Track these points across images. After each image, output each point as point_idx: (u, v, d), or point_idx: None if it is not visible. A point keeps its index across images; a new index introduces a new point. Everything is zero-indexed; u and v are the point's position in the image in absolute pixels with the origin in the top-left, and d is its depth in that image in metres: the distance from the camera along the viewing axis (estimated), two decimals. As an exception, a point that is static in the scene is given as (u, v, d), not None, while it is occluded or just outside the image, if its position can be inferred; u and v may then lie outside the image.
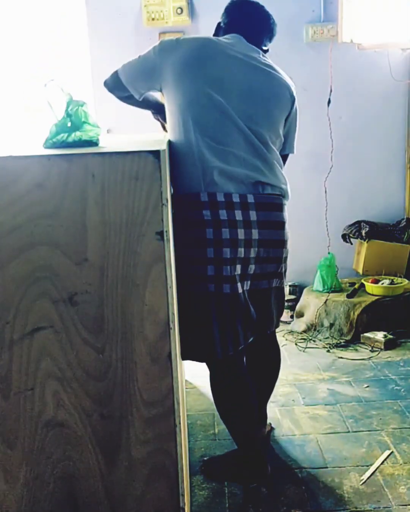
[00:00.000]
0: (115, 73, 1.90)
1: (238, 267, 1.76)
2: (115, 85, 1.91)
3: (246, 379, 1.92)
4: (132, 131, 2.79)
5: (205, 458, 2.11)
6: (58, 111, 1.39)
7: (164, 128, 2.07)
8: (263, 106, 1.82)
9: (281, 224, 1.87)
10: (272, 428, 2.34)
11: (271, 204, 1.83)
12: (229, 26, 1.91)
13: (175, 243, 1.67)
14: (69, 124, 1.39)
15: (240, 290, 1.78)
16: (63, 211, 1.18)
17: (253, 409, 1.95)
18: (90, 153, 1.19)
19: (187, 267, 1.72)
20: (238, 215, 1.74)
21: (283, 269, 1.95)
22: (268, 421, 2.30)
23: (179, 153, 1.75)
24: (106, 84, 1.94)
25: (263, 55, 1.88)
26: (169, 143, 1.74)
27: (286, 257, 1.94)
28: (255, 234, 1.77)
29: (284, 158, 1.98)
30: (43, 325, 1.23)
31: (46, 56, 3.46)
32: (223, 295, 1.75)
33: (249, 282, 1.82)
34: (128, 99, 1.94)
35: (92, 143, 1.41)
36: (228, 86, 1.76)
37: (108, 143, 1.45)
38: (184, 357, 1.81)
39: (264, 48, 1.93)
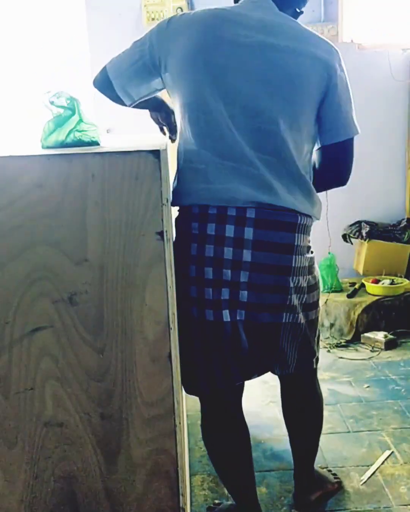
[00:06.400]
0: (104, 70, 1.59)
1: (224, 291, 1.49)
2: (104, 84, 1.59)
3: (240, 424, 1.68)
4: (132, 131, 2.79)
5: (211, 505, 1.92)
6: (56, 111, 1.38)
7: (162, 130, 1.90)
8: (282, 96, 1.48)
9: (288, 247, 1.51)
10: (333, 488, 1.95)
11: (276, 222, 1.49)
12: None
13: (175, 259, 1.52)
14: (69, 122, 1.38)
15: (227, 319, 1.51)
16: (63, 211, 1.18)
17: (246, 458, 1.70)
18: (90, 153, 1.19)
19: (177, 286, 1.48)
20: (229, 231, 1.47)
21: (297, 302, 1.56)
22: (334, 478, 1.99)
23: (179, 162, 1.55)
24: (95, 82, 1.62)
25: (289, 20, 1.52)
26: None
27: (301, 287, 1.56)
28: (247, 255, 1.48)
29: (339, 147, 1.60)
30: (43, 325, 1.23)
31: (46, 56, 3.46)
32: (206, 323, 1.52)
33: (243, 311, 1.52)
34: (120, 99, 1.64)
35: (93, 143, 1.41)
36: (232, 79, 1.46)
37: (108, 143, 1.45)
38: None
39: (298, 10, 1.57)
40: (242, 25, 1.48)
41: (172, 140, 1.79)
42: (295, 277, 1.53)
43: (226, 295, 1.50)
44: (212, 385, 1.58)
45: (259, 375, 1.67)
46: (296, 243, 1.52)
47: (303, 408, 1.81)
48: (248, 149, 1.47)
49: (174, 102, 1.55)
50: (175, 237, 1.53)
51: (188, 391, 1.65)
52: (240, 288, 1.50)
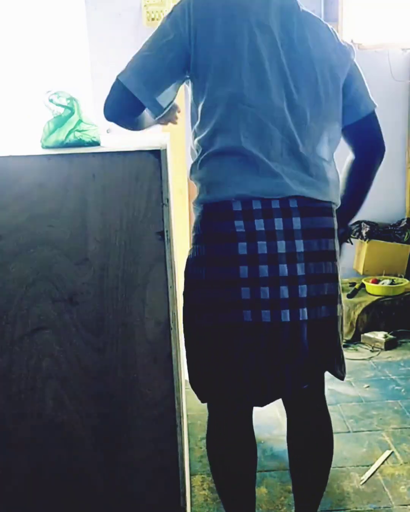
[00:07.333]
0: (119, 86, 1.39)
1: (283, 289, 1.41)
2: (123, 106, 1.43)
3: (252, 438, 1.60)
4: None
5: None
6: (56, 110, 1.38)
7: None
8: (314, 73, 1.43)
9: (330, 232, 1.48)
10: None
11: (317, 208, 1.46)
12: None
13: (201, 263, 1.43)
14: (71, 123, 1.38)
15: (286, 319, 1.42)
16: (63, 211, 1.18)
17: (252, 475, 1.61)
18: (91, 153, 1.19)
19: (216, 291, 1.42)
20: (278, 224, 1.41)
21: (340, 291, 1.53)
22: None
23: (210, 149, 1.43)
24: (107, 110, 1.42)
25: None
26: (194, 135, 1.47)
27: (337, 275, 1.51)
28: (299, 245, 1.42)
29: (366, 121, 1.55)
30: (43, 325, 1.23)
31: (45, 56, 3.45)
32: (262, 326, 1.41)
33: (305, 309, 1.43)
34: (137, 124, 1.51)
35: (93, 143, 1.41)
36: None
37: (108, 143, 1.45)
38: (203, 398, 1.57)
39: None
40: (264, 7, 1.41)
41: (175, 122, 1.71)
42: (336, 263, 1.50)
43: (285, 293, 1.41)
44: (262, 398, 1.51)
45: (310, 386, 1.58)
46: (334, 227, 1.50)
47: (318, 432, 1.66)
48: (287, 143, 1.42)
49: (199, 89, 1.43)
50: (208, 240, 1.44)
51: (222, 407, 1.56)
52: (298, 282, 1.42)
